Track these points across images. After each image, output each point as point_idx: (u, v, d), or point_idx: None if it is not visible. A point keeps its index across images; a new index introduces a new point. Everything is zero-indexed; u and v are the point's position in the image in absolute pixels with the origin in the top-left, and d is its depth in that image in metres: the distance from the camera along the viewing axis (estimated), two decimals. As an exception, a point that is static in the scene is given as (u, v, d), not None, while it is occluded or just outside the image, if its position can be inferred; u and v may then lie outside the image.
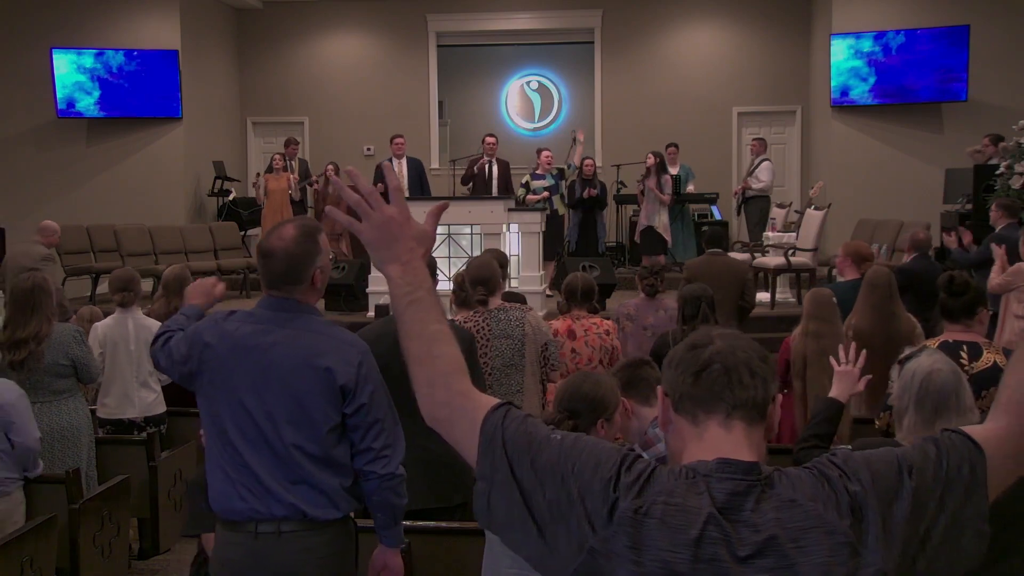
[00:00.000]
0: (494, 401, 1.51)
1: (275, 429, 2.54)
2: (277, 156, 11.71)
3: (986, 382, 3.28)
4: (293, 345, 2.57)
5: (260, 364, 2.56)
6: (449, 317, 4.69)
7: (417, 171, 10.83)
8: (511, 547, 1.45)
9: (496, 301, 4.56)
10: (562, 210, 10.48)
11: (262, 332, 2.61)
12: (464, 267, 5.16)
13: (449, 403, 1.52)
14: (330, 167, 11.43)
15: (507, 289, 6.22)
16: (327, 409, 2.55)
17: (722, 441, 1.38)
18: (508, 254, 8.03)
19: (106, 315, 5.62)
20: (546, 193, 10.15)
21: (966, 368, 3.40)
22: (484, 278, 4.50)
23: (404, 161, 10.77)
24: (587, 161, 10.87)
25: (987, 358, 3.50)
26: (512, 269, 8.01)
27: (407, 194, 10.47)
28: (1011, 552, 2.42)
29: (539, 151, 10.61)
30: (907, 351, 2.88)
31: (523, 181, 10.28)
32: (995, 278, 5.87)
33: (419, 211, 7.02)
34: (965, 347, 3.54)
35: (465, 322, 4.47)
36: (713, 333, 1.45)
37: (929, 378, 2.53)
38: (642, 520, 1.30)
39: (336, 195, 11.42)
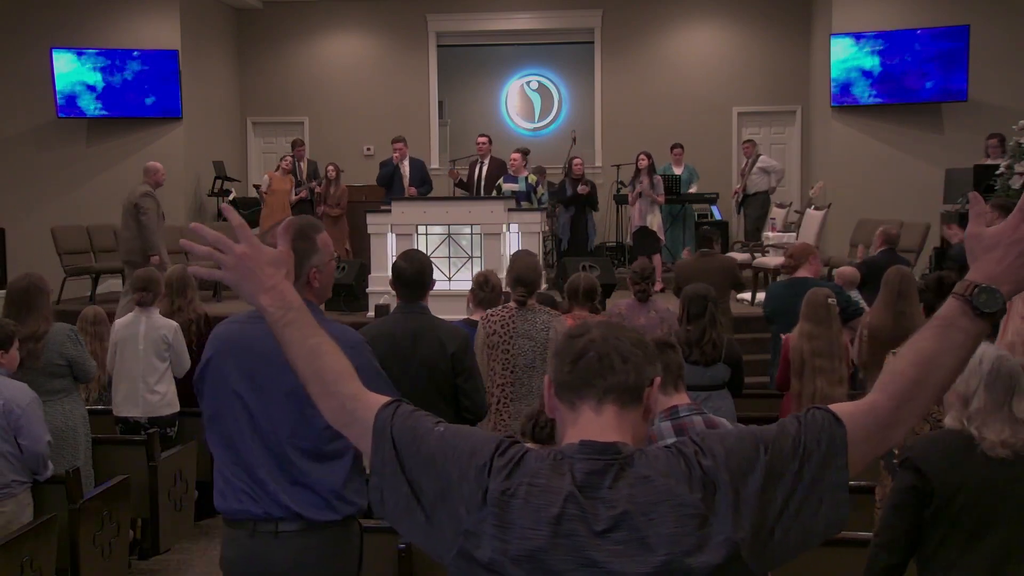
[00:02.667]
0: (384, 399, 1.59)
1: (273, 427, 2.56)
2: (288, 158, 11.72)
3: None
4: None
5: (257, 363, 2.58)
6: (465, 316, 4.73)
7: (419, 171, 10.84)
8: (405, 536, 1.54)
9: (531, 302, 4.61)
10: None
11: (258, 331, 2.61)
12: (480, 266, 5.19)
13: (341, 407, 1.61)
14: (330, 167, 11.43)
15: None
16: None
17: (593, 425, 1.45)
18: (508, 254, 8.04)
19: (108, 315, 5.64)
20: (512, 186, 10.11)
21: None
22: (529, 280, 4.56)
23: (407, 163, 10.77)
24: (576, 160, 10.87)
25: None
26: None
27: (412, 192, 10.47)
28: (986, 531, 2.46)
29: (513, 153, 10.57)
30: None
31: (496, 183, 10.27)
32: None
33: (420, 209, 7.00)
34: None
35: (492, 316, 4.50)
36: (591, 323, 1.54)
37: (1000, 361, 2.57)
38: (508, 501, 1.38)
39: (337, 195, 11.44)
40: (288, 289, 1.67)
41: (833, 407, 1.48)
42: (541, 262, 9.09)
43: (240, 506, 2.56)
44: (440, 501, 1.45)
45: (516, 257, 4.86)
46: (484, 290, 4.81)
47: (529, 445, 1.51)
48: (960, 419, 2.54)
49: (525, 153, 10.57)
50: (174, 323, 5.39)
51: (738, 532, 1.35)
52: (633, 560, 1.33)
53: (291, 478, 2.55)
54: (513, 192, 10.05)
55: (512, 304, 4.57)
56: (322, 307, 2.84)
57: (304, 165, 12.17)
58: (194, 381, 2.72)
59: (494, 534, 1.38)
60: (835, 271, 6.61)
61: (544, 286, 9.12)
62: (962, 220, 8.93)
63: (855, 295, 6.24)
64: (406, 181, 10.68)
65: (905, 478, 2.52)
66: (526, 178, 10.32)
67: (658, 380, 1.51)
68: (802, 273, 6.01)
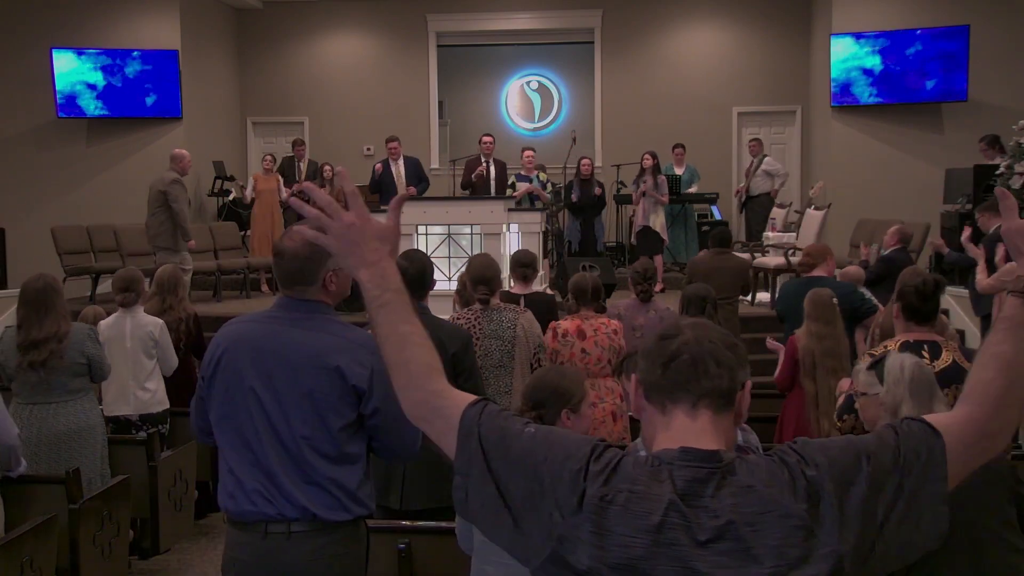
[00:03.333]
0: (471, 398, 1.55)
1: (289, 427, 2.55)
2: (268, 157, 11.72)
3: (947, 380, 3.30)
4: (304, 344, 2.58)
5: (273, 363, 2.57)
6: (450, 315, 4.74)
7: (414, 168, 10.82)
8: (489, 537, 1.50)
9: (495, 301, 4.58)
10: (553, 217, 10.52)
11: (275, 331, 2.63)
12: (465, 266, 5.21)
13: (425, 402, 1.57)
14: (326, 168, 11.43)
15: (505, 289, 6.24)
16: (340, 407, 2.56)
17: (687, 430, 1.42)
18: (508, 254, 8.03)
19: (109, 315, 5.64)
20: (530, 186, 10.14)
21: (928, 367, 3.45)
22: (487, 278, 4.53)
23: (401, 161, 10.77)
24: (584, 161, 10.88)
25: (946, 357, 3.53)
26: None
27: (411, 191, 10.46)
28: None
29: (523, 150, 10.60)
30: (868, 358, 2.96)
31: (509, 182, 10.28)
32: (983, 279, 5.85)
33: (420, 209, 7.00)
34: (926, 347, 3.55)
35: (458, 319, 4.49)
36: (683, 324, 1.50)
37: (919, 367, 2.67)
38: (607, 507, 1.35)
39: (334, 195, 11.43)
40: (390, 268, 1.61)
41: (928, 418, 1.46)
42: (542, 262, 9.12)
43: (253, 507, 2.54)
44: (530, 504, 1.41)
45: (473, 258, 4.87)
46: (468, 290, 4.82)
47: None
48: None
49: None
50: (159, 320, 5.39)
51: (843, 545, 1.32)
52: (737, 572, 1.30)
53: (307, 478, 2.54)
54: (528, 191, 10.07)
55: (477, 305, 4.55)
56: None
57: (304, 165, 12.17)
58: (202, 378, 2.70)
59: (591, 541, 1.35)
60: (839, 271, 6.60)
61: (544, 286, 9.13)
62: (961, 221, 8.94)
63: (867, 294, 6.24)
64: (401, 181, 10.67)
65: None
66: (538, 176, 10.33)
67: (749, 383, 1.48)
68: (818, 272, 6.01)
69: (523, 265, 5.55)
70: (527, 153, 10.42)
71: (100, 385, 5.40)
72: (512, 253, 4.89)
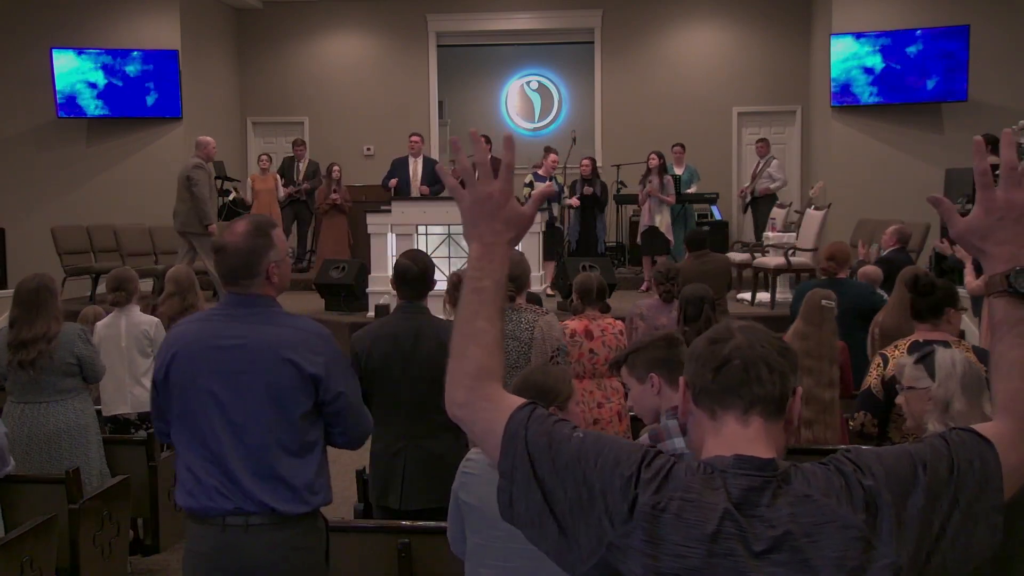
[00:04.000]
0: (519, 401, 1.52)
1: (248, 421, 2.58)
2: (264, 156, 11.72)
3: None
4: (256, 338, 2.62)
5: (227, 360, 2.60)
6: (444, 317, 4.74)
7: (432, 169, 10.80)
8: (532, 542, 1.47)
9: (519, 300, 4.59)
10: (558, 215, 10.52)
11: (224, 328, 2.66)
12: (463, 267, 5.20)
13: (469, 404, 1.53)
14: (336, 168, 11.45)
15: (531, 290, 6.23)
16: (298, 396, 2.60)
17: (739, 437, 1.39)
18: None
19: (108, 315, 5.64)
20: (548, 186, 10.16)
21: None
22: (514, 275, 4.54)
23: (420, 160, 10.74)
24: (584, 160, 10.89)
25: None
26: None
27: (421, 192, 10.44)
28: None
29: (547, 152, 10.59)
30: (891, 353, 2.93)
31: (526, 180, 10.28)
32: (971, 281, 5.85)
33: (419, 209, 7.01)
34: (936, 345, 3.56)
35: None
36: (734, 327, 1.46)
37: (969, 364, 2.66)
38: (659, 516, 1.32)
39: (343, 193, 11.43)
40: (501, 254, 1.57)
41: (977, 427, 1.43)
42: (541, 263, 9.13)
43: (211, 503, 2.58)
44: (579, 511, 1.38)
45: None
46: (459, 290, 4.82)
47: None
48: (944, 423, 2.57)
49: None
50: (154, 319, 5.39)
51: (900, 556, 1.30)
52: None
53: (265, 472, 2.58)
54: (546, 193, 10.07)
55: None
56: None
57: (303, 165, 12.17)
58: (155, 381, 2.72)
59: (643, 550, 1.32)
60: (859, 271, 6.58)
61: (544, 285, 9.14)
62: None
63: (885, 295, 6.22)
64: (416, 179, 10.63)
65: None
66: (555, 177, 10.34)
67: (800, 389, 1.45)
68: (842, 275, 5.98)
69: (510, 279, 5.54)
70: (552, 157, 10.43)
71: (98, 385, 5.41)
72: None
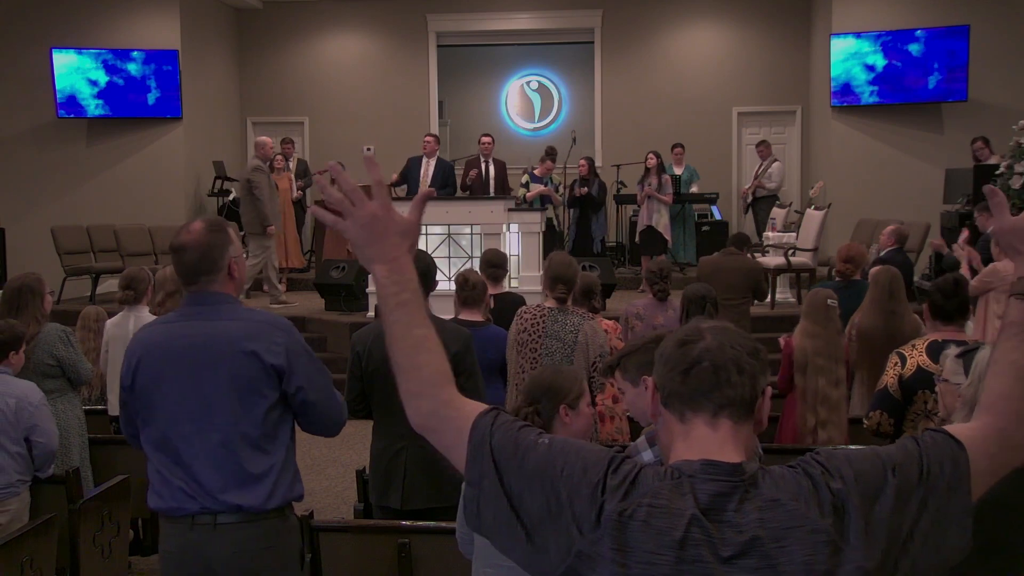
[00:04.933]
0: (481, 407, 1.50)
1: (212, 419, 2.58)
2: (279, 157, 11.69)
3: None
4: (217, 334, 2.62)
5: (189, 359, 2.61)
6: (453, 316, 4.75)
7: (443, 171, 10.76)
8: (500, 550, 1.45)
9: (569, 303, 4.64)
10: (553, 217, 10.55)
11: (185, 328, 2.66)
12: (472, 265, 5.23)
13: (435, 412, 1.51)
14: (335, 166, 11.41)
15: (507, 289, 6.24)
16: (262, 389, 2.60)
17: (708, 440, 1.38)
18: (508, 254, 8.04)
19: (109, 314, 5.64)
20: (544, 188, 10.17)
21: None
22: (567, 277, 4.57)
23: (434, 160, 10.71)
24: (581, 161, 10.92)
25: None
26: (512, 269, 8.02)
27: (434, 192, 10.43)
28: (1001, 548, 2.42)
29: (546, 156, 10.59)
30: (963, 346, 2.86)
31: (523, 181, 10.29)
32: (968, 279, 5.86)
33: (430, 209, 6.98)
34: (954, 346, 3.56)
35: (524, 313, 4.53)
36: (703, 327, 1.45)
37: None
38: (627, 522, 1.31)
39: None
40: (409, 266, 1.54)
41: (949, 429, 1.42)
42: (541, 262, 9.12)
43: (177, 503, 2.59)
44: (547, 518, 1.37)
45: (552, 256, 4.93)
46: (465, 290, 4.84)
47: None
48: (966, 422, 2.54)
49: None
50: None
51: (868, 560, 1.29)
52: None
53: (231, 470, 2.58)
54: (542, 193, 10.09)
55: (550, 303, 4.59)
56: (241, 297, 2.87)
57: (293, 164, 12.17)
58: (123, 386, 2.72)
59: (612, 557, 1.30)
60: (871, 271, 6.57)
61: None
62: (961, 221, 8.94)
63: None
64: (427, 180, 10.61)
65: None
66: (551, 178, 10.34)
67: (769, 390, 1.44)
68: (857, 276, 5.97)
69: (493, 265, 5.57)
70: (548, 163, 10.46)
71: (103, 385, 5.41)
72: (550, 261, 4.96)
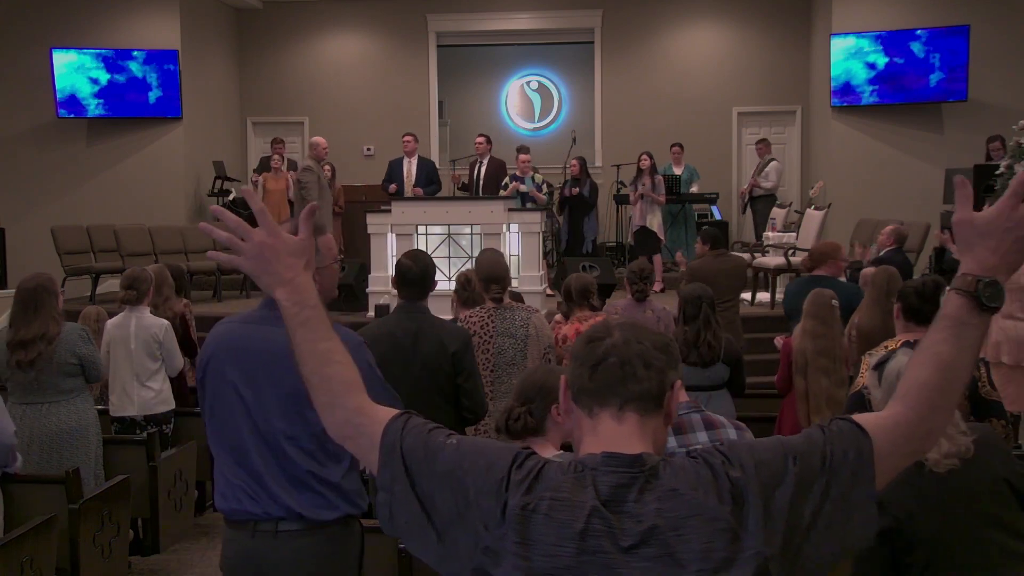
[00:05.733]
0: (392, 413, 1.53)
1: (271, 426, 2.56)
2: (276, 157, 11.69)
3: None
4: (284, 343, 2.58)
5: (256, 362, 2.59)
6: (450, 316, 4.75)
7: (427, 171, 10.77)
8: (416, 553, 1.48)
9: (507, 299, 4.59)
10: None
11: (256, 331, 2.64)
12: (472, 265, 5.20)
13: (347, 421, 1.54)
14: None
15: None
16: None
17: (614, 434, 1.40)
18: (508, 254, 8.04)
19: (110, 314, 5.64)
20: (520, 186, 10.13)
21: None
22: (498, 276, 4.55)
23: (415, 160, 10.72)
24: (573, 161, 10.92)
25: None
26: (512, 269, 8.02)
27: (413, 192, 10.42)
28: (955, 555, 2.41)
29: (519, 151, 10.55)
30: (879, 354, 2.86)
31: (503, 182, 10.28)
32: None
33: (419, 209, 7.01)
34: (899, 352, 3.55)
35: (471, 317, 4.49)
36: (612, 324, 1.47)
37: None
38: (529, 516, 1.33)
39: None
40: (306, 284, 1.58)
41: (857, 418, 1.44)
42: (542, 262, 9.12)
43: (239, 506, 2.57)
44: (456, 518, 1.39)
45: (482, 257, 4.85)
46: (467, 290, 4.83)
47: (527, 447, 1.47)
48: None
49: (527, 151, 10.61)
50: (164, 321, 5.38)
51: (768, 547, 1.31)
52: None
53: (291, 478, 2.56)
54: (522, 192, 10.07)
55: (489, 304, 4.55)
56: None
57: (284, 165, 12.17)
58: (197, 380, 2.73)
59: (516, 551, 1.32)
60: (862, 273, 6.57)
61: (544, 286, 9.14)
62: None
63: None
64: (411, 179, 10.62)
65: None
66: (532, 177, 10.33)
67: (679, 383, 1.46)
68: (821, 272, 5.98)
69: (493, 280, 5.51)
70: (521, 156, 10.43)
71: (106, 385, 5.41)
72: (480, 262, 4.92)
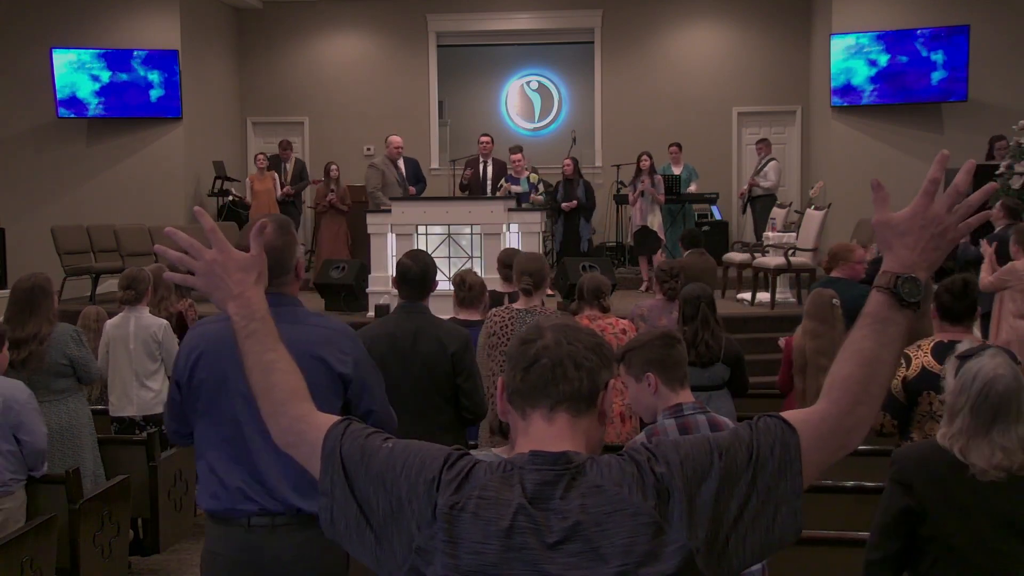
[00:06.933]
0: (333, 419, 1.56)
1: None
2: (260, 156, 11.70)
3: None
4: (288, 337, 2.58)
5: None
6: (452, 316, 4.75)
7: (414, 169, 10.78)
8: (355, 556, 1.50)
9: (535, 302, 4.61)
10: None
11: None
12: (471, 265, 5.22)
13: (290, 428, 1.59)
14: (334, 167, 11.47)
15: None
16: (328, 397, 2.56)
17: (544, 434, 1.42)
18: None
19: (110, 314, 5.63)
20: (514, 187, 10.13)
21: None
22: (533, 270, 4.57)
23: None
24: (566, 161, 10.92)
25: None
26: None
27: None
28: (979, 554, 2.39)
29: (512, 152, 10.54)
30: (966, 346, 2.78)
31: (499, 184, 10.29)
32: (986, 276, 5.86)
33: (420, 209, 7.02)
34: (986, 351, 3.52)
35: (494, 316, 4.50)
36: (545, 326, 1.49)
37: (991, 384, 2.41)
38: (458, 515, 1.35)
39: (340, 194, 11.45)
40: (255, 297, 1.65)
41: (785, 414, 1.46)
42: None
43: (235, 505, 2.55)
44: (391, 519, 1.42)
45: (511, 252, 4.89)
46: (462, 290, 4.84)
47: (497, 450, 1.48)
48: (945, 434, 2.48)
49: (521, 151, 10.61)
50: (163, 321, 5.38)
51: (692, 540, 1.33)
52: (587, 572, 1.30)
53: (291, 471, 2.54)
54: (515, 193, 10.06)
55: (515, 305, 4.57)
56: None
57: (291, 166, 12.17)
58: (178, 382, 2.67)
59: (444, 550, 1.35)
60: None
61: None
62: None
63: None
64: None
65: (896, 497, 2.47)
66: (528, 178, 10.33)
67: (612, 383, 1.47)
68: (837, 274, 5.97)
69: (507, 266, 5.57)
70: (513, 156, 10.43)
71: (106, 385, 5.42)
72: (513, 257, 4.96)
